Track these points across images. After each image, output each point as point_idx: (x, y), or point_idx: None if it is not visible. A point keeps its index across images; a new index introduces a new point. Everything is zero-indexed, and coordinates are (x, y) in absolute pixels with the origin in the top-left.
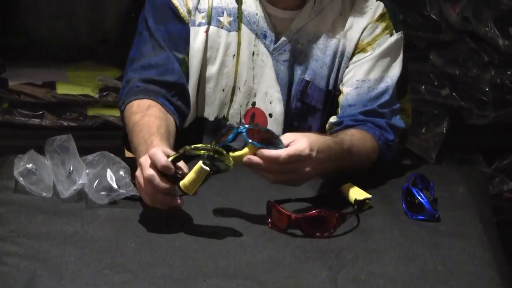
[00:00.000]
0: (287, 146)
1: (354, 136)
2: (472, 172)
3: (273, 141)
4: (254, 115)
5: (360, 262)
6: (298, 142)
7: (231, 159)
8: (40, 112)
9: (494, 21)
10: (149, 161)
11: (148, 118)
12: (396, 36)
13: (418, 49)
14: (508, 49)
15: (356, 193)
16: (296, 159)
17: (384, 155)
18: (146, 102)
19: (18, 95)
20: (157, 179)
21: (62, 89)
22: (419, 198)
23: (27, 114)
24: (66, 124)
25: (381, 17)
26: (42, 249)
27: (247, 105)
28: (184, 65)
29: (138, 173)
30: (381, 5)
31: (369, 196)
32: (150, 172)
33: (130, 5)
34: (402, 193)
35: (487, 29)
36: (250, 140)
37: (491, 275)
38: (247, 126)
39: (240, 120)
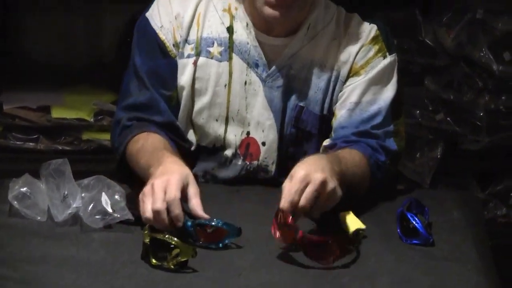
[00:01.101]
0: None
1: (345, 154)
2: (467, 197)
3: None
4: (248, 145)
5: (355, 286)
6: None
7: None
8: (35, 136)
9: (488, 47)
10: (179, 184)
11: (152, 141)
12: (389, 58)
13: (413, 74)
14: (502, 75)
15: (353, 222)
16: (301, 179)
17: (374, 175)
18: (142, 134)
19: (12, 119)
20: (164, 214)
21: (57, 113)
22: (414, 222)
23: (22, 138)
24: (61, 148)
25: (374, 40)
26: (38, 273)
27: (241, 134)
28: (173, 100)
29: (147, 191)
30: (374, 27)
31: (363, 227)
32: (177, 194)
33: (126, 29)
34: (397, 218)
35: (482, 54)
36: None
37: None
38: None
39: (236, 150)
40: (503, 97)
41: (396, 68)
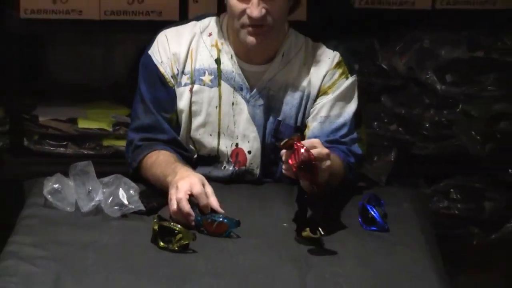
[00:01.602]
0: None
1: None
2: (415, 192)
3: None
4: (237, 154)
5: (324, 264)
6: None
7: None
8: (65, 143)
9: (433, 70)
10: (185, 188)
11: (163, 157)
12: (351, 79)
13: (372, 93)
14: (445, 93)
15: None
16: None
17: (347, 176)
18: (153, 152)
19: (46, 129)
20: (185, 201)
21: (82, 124)
22: (372, 213)
23: (54, 144)
24: (85, 152)
25: (337, 65)
26: (66, 253)
27: (231, 146)
28: (173, 121)
29: (173, 191)
30: (338, 54)
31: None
32: (202, 188)
33: (136, 55)
34: (359, 209)
35: (428, 76)
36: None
37: (430, 276)
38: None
39: (228, 159)
40: (445, 112)
41: (356, 86)
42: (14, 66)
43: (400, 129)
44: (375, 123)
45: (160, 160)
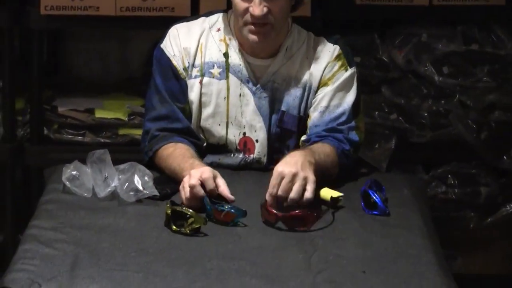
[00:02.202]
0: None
1: (318, 146)
2: (414, 178)
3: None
4: (246, 142)
5: (328, 247)
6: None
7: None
8: (82, 132)
9: (431, 63)
10: (197, 175)
11: (180, 150)
12: (350, 71)
13: (372, 84)
14: (442, 84)
15: (331, 193)
16: (277, 176)
17: (342, 161)
18: (170, 144)
19: (65, 118)
20: (198, 187)
21: (99, 114)
22: (374, 197)
23: (73, 133)
24: (102, 141)
25: (337, 57)
26: (83, 237)
27: (239, 134)
28: (186, 111)
29: (186, 179)
30: (337, 47)
31: (341, 194)
32: (211, 174)
33: (151, 50)
34: (361, 194)
35: (426, 68)
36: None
37: (429, 257)
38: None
39: (236, 147)
40: (442, 101)
41: (355, 77)
42: (35, 60)
43: (399, 118)
44: (376, 112)
45: (176, 153)
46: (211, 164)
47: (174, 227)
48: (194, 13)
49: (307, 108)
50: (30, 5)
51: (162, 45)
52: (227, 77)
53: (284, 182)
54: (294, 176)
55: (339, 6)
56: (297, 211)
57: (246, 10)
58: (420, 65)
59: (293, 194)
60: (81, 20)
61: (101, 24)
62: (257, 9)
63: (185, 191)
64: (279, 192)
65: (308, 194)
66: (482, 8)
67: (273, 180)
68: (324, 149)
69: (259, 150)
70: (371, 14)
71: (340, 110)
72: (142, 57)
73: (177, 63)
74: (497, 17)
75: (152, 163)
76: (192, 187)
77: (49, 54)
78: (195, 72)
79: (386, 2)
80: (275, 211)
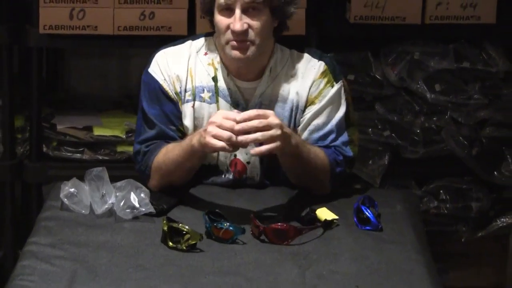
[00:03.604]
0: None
1: (312, 145)
2: (407, 194)
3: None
4: (236, 164)
5: (323, 262)
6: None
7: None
8: (81, 149)
9: (423, 80)
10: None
11: (172, 145)
12: (336, 86)
13: (366, 101)
14: (434, 101)
15: (327, 215)
16: (263, 114)
17: (333, 169)
18: (162, 148)
19: (64, 136)
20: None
21: (98, 131)
22: (367, 213)
23: (71, 151)
24: (100, 158)
25: (323, 74)
26: (81, 253)
27: (230, 156)
28: (180, 131)
29: (202, 131)
30: (322, 64)
31: (336, 217)
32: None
33: None
34: (354, 210)
35: (418, 86)
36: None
37: (421, 272)
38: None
39: (227, 168)
40: (434, 118)
41: (342, 92)
42: (34, 77)
43: (392, 134)
44: (370, 129)
45: (170, 147)
46: (204, 183)
47: (170, 243)
48: (192, 33)
49: (295, 127)
50: (29, 24)
51: (150, 70)
52: (217, 101)
53: (260, 121)
54: (276, 126)
55: (333, 25)
56: (279, 224)
57: (228, 27)
58: (413, 82)
59: (259, 136)
60: (80, 39)
61: (100, 43)
62: (237, 25)
63: (208, 138)
64: (250, 123)
65: (263, 149)
66: (473, 27)
67: (254, 111)
68: (316, 149)
69: (251, 170)
70: (365, 32)
71: (329, 127)
72: (140, 74)
73: (168, 87)
74: (488, 35)
75: (153, 180)
76: (219, 126)
77: (48, 72)
78: (187, 96)
79: (380, 20)
80: (259, 223)
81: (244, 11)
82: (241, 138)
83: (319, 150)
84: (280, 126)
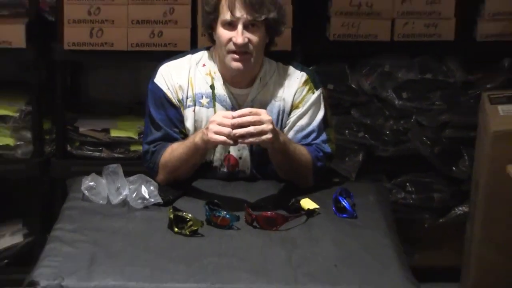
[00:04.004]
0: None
1: (297, 145)
2: (379, 186)
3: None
4: (229, 159)
5: (306, 245)
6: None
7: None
8: (100, 148)
9: (393, 89)
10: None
11: (176, 143)
12: (316, 93)
13: (344, 107)
14: (401, 107)
15: (309, 204)
16: (256, 112)
17: (315, 164)
18: (168, 147)
19: (85, 137)
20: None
21: (114, 133)
22: (344, 203)
23: (91, 149)
24: (116, 156)
25: (305, 83)
26: (99, 238)
27: (224, 152)
28: (183, 133)
29: (205, 130)
30: (304, 74)
31: (317, 206)
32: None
33: None
34: (333, 200)
35: (388, 94)
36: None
37: (391, 253)
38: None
39: (221, 163)
40: (402, 121)
41: (321, 98)
42: (59, 87)
43: (366, 135)
44: (347, 131)
45: (175, 146)
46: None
47: (176, 229)
48: (194, 47)
49: (282, 128)
50: (55, 41)
51: (155, 80)
52: (214, 106)
53: (253, 117)
54: (267, 121)
55: (315, 42)
56: (269, 213)
57: (229, 40)
58: (384, 91)
59: (252, 129)
60: (98, 54)
61: (115, 57)
62: (239, 38)
63: (212, 134)
64: (245, 118)
65: (256, 139)
66: (435, 43)
67: (248, 109)
68: (300, 147)
69: (242, 165)
70: (343, 49)
71: (310, 128)
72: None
73: (172, 95)
74: (448, 51)
75: (161, 176)
76: (220, 123)
77: (72, 82)
78: (188, 102)
79: (355, 38)
80: (252, 212)
81: (245, 27)
82: (237, 131)
83: (303, 148)
84: (271, 122)
